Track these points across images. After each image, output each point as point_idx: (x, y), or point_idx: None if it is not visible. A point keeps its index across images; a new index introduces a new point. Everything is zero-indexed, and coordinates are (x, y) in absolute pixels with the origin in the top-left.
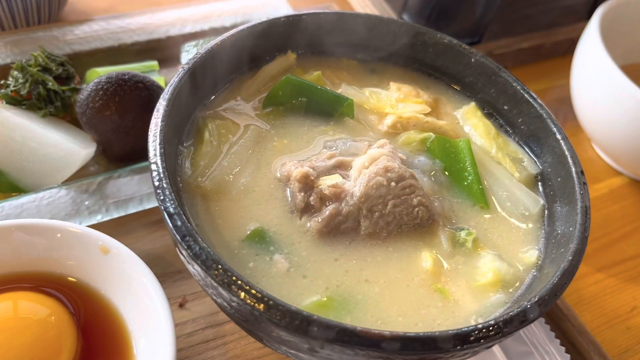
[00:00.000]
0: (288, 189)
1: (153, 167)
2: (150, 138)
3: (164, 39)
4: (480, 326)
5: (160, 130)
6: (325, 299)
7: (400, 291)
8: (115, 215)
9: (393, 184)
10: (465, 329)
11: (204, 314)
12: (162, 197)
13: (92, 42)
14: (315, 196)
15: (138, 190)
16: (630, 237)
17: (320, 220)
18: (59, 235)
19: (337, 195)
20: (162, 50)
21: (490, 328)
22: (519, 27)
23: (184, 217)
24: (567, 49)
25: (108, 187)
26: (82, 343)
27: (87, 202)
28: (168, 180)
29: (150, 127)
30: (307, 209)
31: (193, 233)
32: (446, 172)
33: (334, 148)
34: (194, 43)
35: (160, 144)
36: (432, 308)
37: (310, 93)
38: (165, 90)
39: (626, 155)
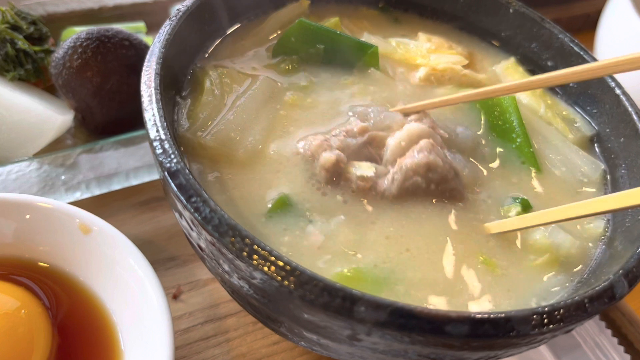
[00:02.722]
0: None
1: (148, 115)
2: (144, 83)
3: (150, 2)
4: (560, 306)
5: (156, 74)
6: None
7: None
8: (97, 192)
9: (433, 186)
10: (545, 307)
11: (202, 307)
12: (160, 151)
13: (68, 3)
14: (344, 182)
15: (124, 164)
16: None
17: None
18: (28, 215)
19: (366, 190)
20: (148, 15)
21: (572, 308)
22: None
23: (189, 173)
24: (582, 24)
25: (89, 161)
26: (58, 341)
27: (63, 177)
28: (167, 131)
29: (143, 72)
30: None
31: (201, 192)
32: (493, 133)
33: (366, 119)
34: None
35: (156, 88)
36: (483, 284)
37: (328, 39)
38: (160, 32)
39: None
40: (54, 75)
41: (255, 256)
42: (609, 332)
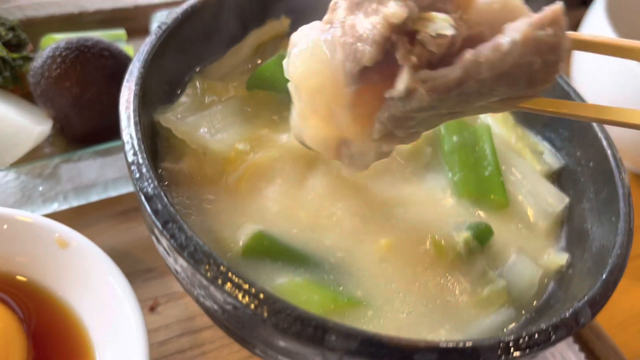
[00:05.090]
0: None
1: (126, 138)
2: (122, 104)
3: (132, 8)
4: (526, 334)
5: (135, 95)
6: None
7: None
8: (75, 203)
9: (532, 79)
10: (511, 337)
11: (178, 319)
12: (137, 175)
13: (48, 8)
14: (403, 50)
15: (102, 174)
16: (636, 234)
17: (445, 76)
18: (5, 225)
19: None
20: (129, 20)
21: (537, 336)
22: None
23: (166, 200)
24: None
25: (66, 171)
26: (33, 355)
27: (40, 188)
28: (145, 155)
29: (122, 92)
30: (368, 74)
31: (177, 218)
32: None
33: None
34: (166, 12)
35: (134, 110)
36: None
37: None
38: (140, 50)
39: (632, 147)
40: (32, 84)
41: (229, 284)
42: (576, 347)
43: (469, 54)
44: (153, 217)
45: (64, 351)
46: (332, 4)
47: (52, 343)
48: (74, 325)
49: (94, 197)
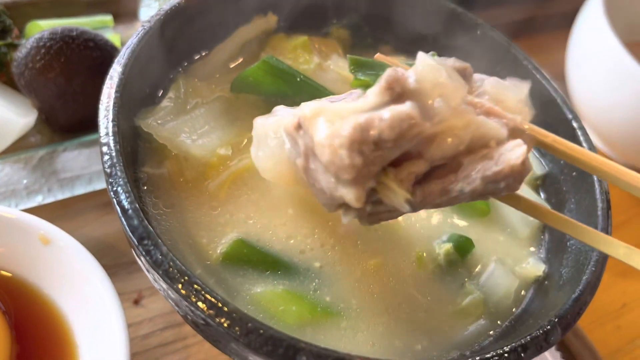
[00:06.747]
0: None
1: (104, 149)
2: (102, 113)
3: None
4: (495, 354)
5: (114, 103)
6: None
7: None
8: (60, 196)
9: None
10: (482, 356)
11: (162, 312)
12: (115, 188)
13: None
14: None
15: (87, 167)
16: (620, 230)
17: (389, 212)
18: None
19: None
20: (117, 3)
21: (507, 355)
22: None
23: (142, 214)
24: (560, 22)
25: (51, 163)
26: (17, 349)
27: (25, 181)
28: (123, 168)
29: (102, 98)
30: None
31: (153, 235)
32: None
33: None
34: None
35: (113, 120)
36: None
37: (290, 83)
38: (121, 54)
39: (624, 142)
40: (16, 74)
41: (201, 302)
42: (558, 354)
43: (418, 195)
44: (129, 232)
45: (47, 344)
46: (296, 123)
47: (35, 336)
48: (57, 319)
49: (79, 190)
